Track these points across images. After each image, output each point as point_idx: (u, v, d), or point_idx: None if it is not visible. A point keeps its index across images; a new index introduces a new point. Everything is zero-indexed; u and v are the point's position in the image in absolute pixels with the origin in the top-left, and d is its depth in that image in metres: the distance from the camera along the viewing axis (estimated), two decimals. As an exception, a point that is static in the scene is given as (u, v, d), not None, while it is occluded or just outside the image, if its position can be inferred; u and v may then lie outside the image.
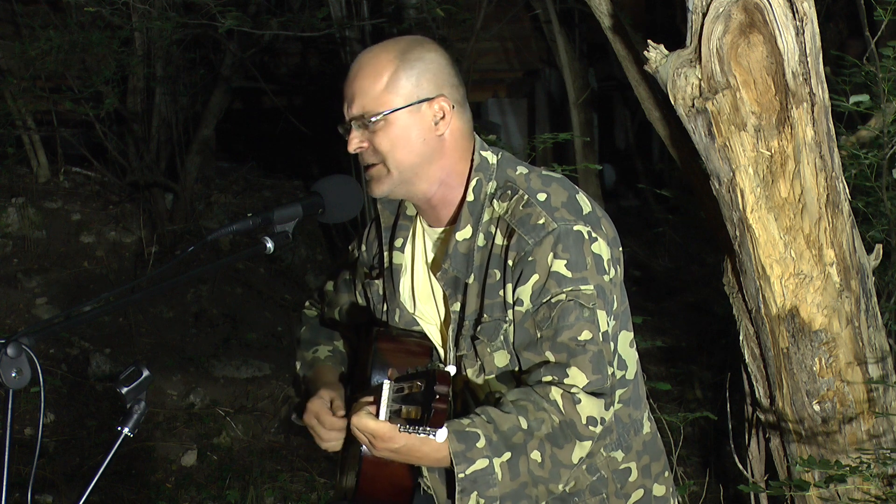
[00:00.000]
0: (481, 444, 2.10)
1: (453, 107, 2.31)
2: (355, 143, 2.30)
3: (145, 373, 1.91)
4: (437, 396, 1.93)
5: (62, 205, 7.55)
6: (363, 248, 2.57)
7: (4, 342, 1.77)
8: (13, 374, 1.76)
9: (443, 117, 2.30)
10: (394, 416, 2.02)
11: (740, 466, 3.59)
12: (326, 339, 2.62)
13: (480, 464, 2.10)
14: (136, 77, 7.52)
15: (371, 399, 2.11)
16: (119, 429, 1.90)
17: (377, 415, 2.06)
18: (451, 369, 1.99)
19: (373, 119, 2.26)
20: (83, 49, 7.08)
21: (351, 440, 2.34)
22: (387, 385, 2.05)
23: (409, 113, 2.27)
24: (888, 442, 3.27)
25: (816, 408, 3.23)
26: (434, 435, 1.96)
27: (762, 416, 3.41)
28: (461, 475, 2.10)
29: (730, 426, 3.70)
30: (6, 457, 1.79)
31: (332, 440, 2.38)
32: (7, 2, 7.62)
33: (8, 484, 1.77)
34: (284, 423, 5.86)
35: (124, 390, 1.90)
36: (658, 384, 4.24)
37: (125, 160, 7.57)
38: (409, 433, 2.00)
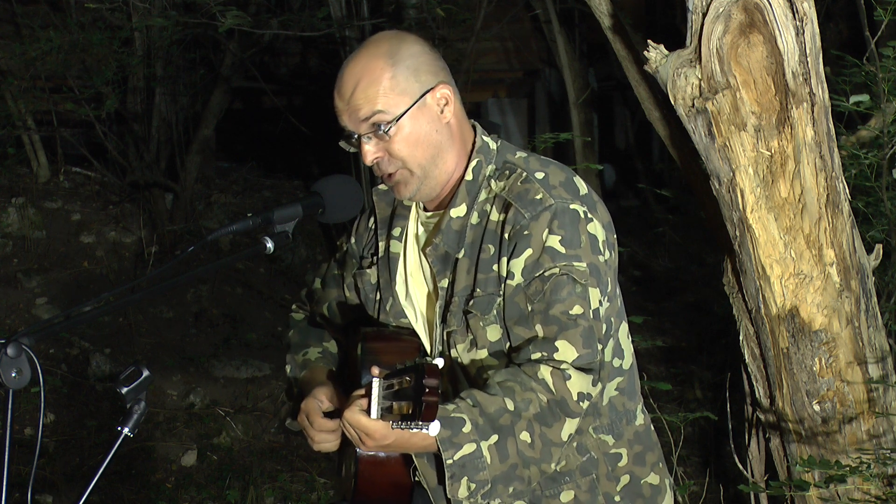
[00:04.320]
0: (467, 428, 2.10)
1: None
2: (371, 155, 2.28)
3: (145, 373, 1.91)
4: (427, 390, 1.92)
5: (62, 205, 7.55)
6: (353, 240, 2.56)
7: (4, 342, 1.77)
8: (13, 374, 1.76)
9: (446, 103, 2.30)
10: (385, 413, 2.02)
11: (740, 466, 3.58)
12: (316, 341, 2.61)
13: (468, 448, 2.10)
14: (136, 77, 7.52)
15: (362, 395, 2.10)
16: (119, 429, 1.90)
17: (368, 412, 2.05)
18: (440, 362, 1.98)
19: (384, 130, 2.24)
20: (83, 49, 7.08)
21: (348, 441, 2.34)
22: (376, 382, 2.05)
23: (418, 109, 2.26)
24: (888, 442, 3.27)
25: (816, 408, 3.23)
26: (427, 429, 1.96)
27: (762, 416, 3.41)
28: (449, 461, 2.10)
29: (730, 426, 3.70)
30: (6, 457, 1.79)
31: (323, 441, 2.38)
32: (7, 2, 7.61)
33: (8, 484, 1.77)
34: (282, 425, 5.86)
35: (124, 390, 1.90)
36: (658, 384, 4.24)
37: (125, 160, 7.57)
38: (402, 429, 2.00)
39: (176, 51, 7.49)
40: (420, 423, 1.94)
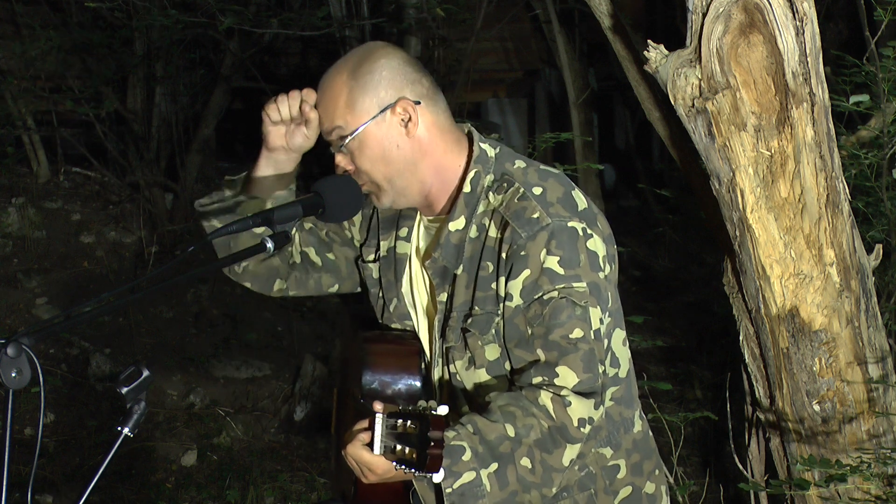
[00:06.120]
0: (467, 456, 2.09)
1: (418, 103, 2.28)
2: (342, 166, 2.33)
3: (145, 373, 1.91)
4: (432, 443, 1.93)
5: (62, 205, 7.55)
6: (358, 221, 2.53)
7: (4, 342, 1.77)
8: (13, 374, 1.76)
9: (409, 119, 2.28)
10: (388, 452, 2.02)
11: (740, 466, 3.58)
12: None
13: (467, 477, 2.09)
14: (136, 77, 7.53)
15: (364, 427, 2.09)
16: (119, 429, 1.90)
17: (371, 447, 2.05)
18: (443, 410, 1.96)
19: (343, 145, 2.28)
20: (83, 49, 7.08)
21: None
22: (379, 419, 2.04)
23: (376, 125, 2.27)
24: (888, 442, 3.27)
25: (816, 408, 3.23)
26: (430, 477, 1.97)
27: (762, 416, 3.41)
28: (448, 490, 2.09)
29: (730, 426, 3.70)
30: (6, 457, 1.79)
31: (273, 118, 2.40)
32: (7, 2, 7.61)
33: (8, 484, 1.77)
34: (283, 425, 5.86)
35: (124, 390, 1.90)
36: (658, 384, 4.23)
37: (125, 160, 7.57)
38: (405, 472, 2.00)
39: (176, 51, 7.49)
40: (425, 473, 1.95)
